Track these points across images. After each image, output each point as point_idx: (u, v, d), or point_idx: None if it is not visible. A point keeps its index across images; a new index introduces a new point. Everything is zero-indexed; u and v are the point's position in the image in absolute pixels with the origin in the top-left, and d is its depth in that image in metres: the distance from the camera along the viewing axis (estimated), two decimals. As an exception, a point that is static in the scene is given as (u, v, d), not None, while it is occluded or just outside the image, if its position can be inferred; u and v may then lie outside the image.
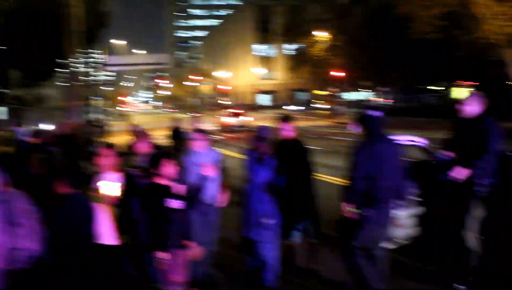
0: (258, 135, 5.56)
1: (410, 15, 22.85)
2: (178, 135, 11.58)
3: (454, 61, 24.45)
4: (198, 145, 6.06)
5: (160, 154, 4.76)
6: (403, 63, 34.53)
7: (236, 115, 34.57)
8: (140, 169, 5.14)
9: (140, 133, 6.30)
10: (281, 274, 5.61)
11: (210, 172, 5.65)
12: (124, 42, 69.46)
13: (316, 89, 64.91)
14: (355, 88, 60.96)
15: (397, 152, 5.16)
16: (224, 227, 6.31)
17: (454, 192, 5.50)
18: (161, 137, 14.36)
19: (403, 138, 6.69)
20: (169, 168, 4.50)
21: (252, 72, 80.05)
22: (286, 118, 6.15)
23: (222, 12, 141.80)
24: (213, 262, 5.94)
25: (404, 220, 6.46)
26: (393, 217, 6.11)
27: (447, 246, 5.81)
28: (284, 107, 69.29)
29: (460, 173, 5.37)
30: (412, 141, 7.03)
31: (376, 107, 5.30)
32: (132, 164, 5.49)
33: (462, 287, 5.37)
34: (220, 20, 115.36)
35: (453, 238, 5.54)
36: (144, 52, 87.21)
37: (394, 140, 5.31)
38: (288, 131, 6.04)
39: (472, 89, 5.86)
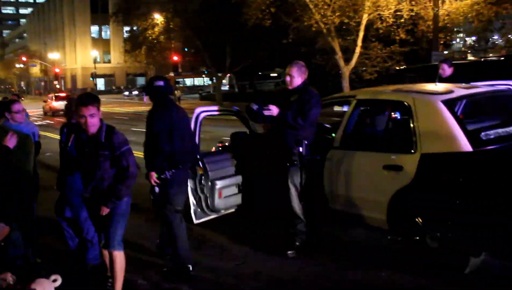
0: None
1: (245, 1, 23.28)
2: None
3: (285, 48, 25.48)
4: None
5: None
6: (239, 50, 35.23)
7: (62, 98, 34.14)
8: None
9: None
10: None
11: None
12: None
13: (153, 74, 64.03)
14: (198, 74, 61.29)
15: (185, 118, 5.43)
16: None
17: (274, 161, 5.64)
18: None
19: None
20: None
21: (90, 54, 76.24)
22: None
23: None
24: (31, 243, 5.66)
25: (225, 190, 6.55)
26: (215, 187, 6.25)
27: (275, 213, 6.01)
28: (125, 93, 67.46)
29: (272, 110, 5.59)
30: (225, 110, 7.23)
31: (162, 77, 5.44)
32: None
33: (290, 252, 5.65)
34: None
35: (281, 206, 5.73)
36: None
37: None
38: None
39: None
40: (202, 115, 6.63)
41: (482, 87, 5.72)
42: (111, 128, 4.44)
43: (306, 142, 5.41)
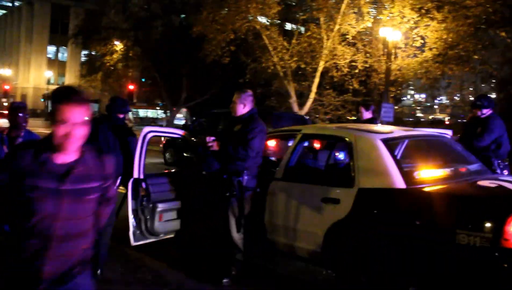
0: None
1: (206, 37, 23.58)
2: None
3: (240, 87, 25.94)
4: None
5: None
6: (195, 84, 35.47)
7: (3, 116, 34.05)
8: None
9: None
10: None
11: None
12: None
13: (107, 101, 63.23)
14: (153, 106, 60.71)
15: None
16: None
17: (216, 189, 5.70)
18: None
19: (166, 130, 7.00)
20: None
21: (45, 75, 74.70)
22: None
23: (6, 2, 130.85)
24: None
25: (166, 213, 6.55)
26: (156, 210, 6.25)
27: (211, 240, 6.03)
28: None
29: (213, 145, 5.73)
30: (172, 133, 7.30)
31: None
32: None
33: (225, 280, 5.67)
34: (3, 11, 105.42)
35: (215, 233, 5.75)
36: None
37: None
38: None
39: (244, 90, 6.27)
40: (150, 135, 6.66)
41: (420, 130, 6.04)
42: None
43: (246, 172, 5.52)
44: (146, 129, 6.63)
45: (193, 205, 6.74)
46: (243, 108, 5.78)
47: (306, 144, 6.37)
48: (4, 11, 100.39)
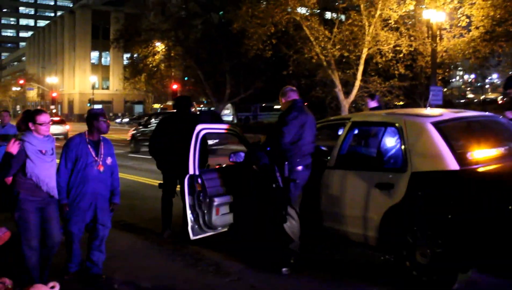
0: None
1: (246, 32, 23.80)
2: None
3: (285, 80, 26.09)
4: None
5: None
6: (239, 80, 35.78)
7: (57, 123, 35.64)
8: None
9: None
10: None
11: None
12: None
13: (151, 102, 64.40)
14: (197, 104, 61.34)
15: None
16: None
17: (263, 180, 5.92)
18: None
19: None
20: None
21: (89, 80, 76.64)
22: None
23: (50, 13, 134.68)
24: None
25: (222, 207, 6.83)
26: (213, 204, 6.54)
27: (265, 232, 6.26)
28: (117, 120, 67.68)
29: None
30: (223, 128, 7.82)
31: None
32: None
33: (284, 269, 5.87)
34: (47, 21, 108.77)
35: (269, 224, 5.99)
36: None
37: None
38: None
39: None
40: (202, 132, 6.94)
41: (471, 112, 6.11)
42: None
43: (287, 163, 5.75)
44: (199, 126, 6.91)
45: (245, 198, 6.98)
46: (284, 100, 6.23)
47: (356, 131, 6.52)
48: (47, 21, 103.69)
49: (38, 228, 5.22)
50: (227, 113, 51.98)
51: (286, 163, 5.77)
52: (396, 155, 5.69)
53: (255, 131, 22.86)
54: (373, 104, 9.10)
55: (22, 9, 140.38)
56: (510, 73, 23.47)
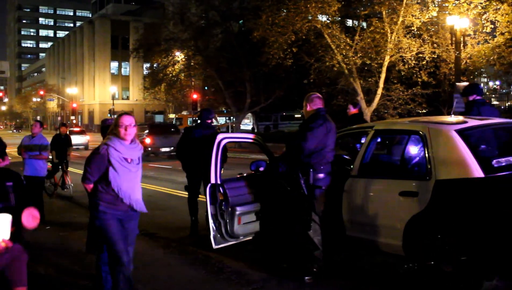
0: None
1: (267, 41, 23.95)
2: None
3: (306, 89, 26.15)
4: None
5: None
6: (259, 89, 35.95)
7: (77, 133, 36.74)
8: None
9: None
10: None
11: None
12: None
13: (171, 112, 64.84)
14: (218, 113, 61.70)
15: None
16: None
17: (289, 190, 6.00)
18: None
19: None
20: None
21: (109, 90, 77.46)
22: None
23: (69, 23, 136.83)
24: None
25: (244, 216, 6.92)
26: (235, 213, 6.62)
27: (289, 240, 6.32)
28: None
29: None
30: (244, 138, 7.89)
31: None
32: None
33: (307, 277, 5.94)
34: (66, 32, 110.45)
35: (294, 233, 6.05)
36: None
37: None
38: None
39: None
40: (224, 141, 7.05)
41: (494, 119, 6.13)
42: None
43: (312, 170, 5.83)
44: (220, 136, 7.03)
45: (268, 206, 7.05)
46: (308, 108, 6.27)
47: (379, 139, 6.58)
48: (67, 32, 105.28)
49: (123, 236, 4.83)
50: (248, 123, 52.16)
51: (311, 170, 5.84)
52: (420, 163, 5.75)
53: (276, 140, 22.95)
54: (354, 110, 9.74)
55: (41, 20, 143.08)
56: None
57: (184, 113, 54.46)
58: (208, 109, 9.13)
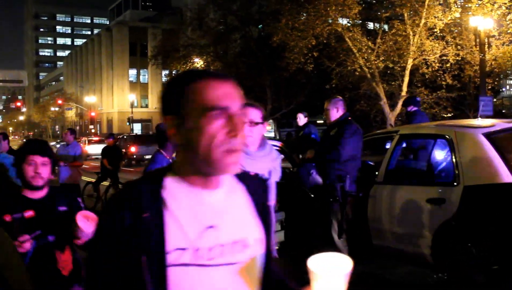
0: None
1: (287, 45, 23.96)
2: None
3: (328, 94, 26.12)
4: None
5: None
6: (280, 95, 35.97)
7: (95, 142, 36.56)
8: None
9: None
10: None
11: None
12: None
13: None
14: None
15: None
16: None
17: (316, 196, 6.02)
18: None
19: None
20: None
21: (128, 98, 77.88)
22: None
23: (86, 31, 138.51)
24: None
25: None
26: None
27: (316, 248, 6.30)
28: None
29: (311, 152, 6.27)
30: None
31: None
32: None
33: None
34: (84, 39, 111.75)
35: (320, 240, 6.06)
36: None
37: None
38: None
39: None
40: None
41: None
42: None
43: (348, 177, 5.81)
44: None
45: (296, 214, 7.06)
46: (336, 112, 6.22)
47: (404, 144, 6.57)
48: (84, 40, 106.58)
49: None
50: (269, 129, 52.13)
51: (348, 176, 5.82)
52: (447, 168, 5.72)
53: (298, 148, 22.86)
54: (304, 120, 10.03)
55: (59, 28, 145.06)
56: None
57: None
58: None
